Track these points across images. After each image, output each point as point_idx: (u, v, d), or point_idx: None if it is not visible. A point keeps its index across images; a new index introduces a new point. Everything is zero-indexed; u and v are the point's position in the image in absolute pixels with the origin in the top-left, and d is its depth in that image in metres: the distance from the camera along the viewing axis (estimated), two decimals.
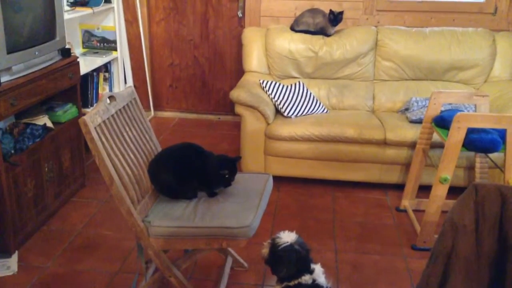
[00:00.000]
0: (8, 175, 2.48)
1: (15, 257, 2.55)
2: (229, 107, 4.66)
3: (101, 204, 3.16)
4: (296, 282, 1.74)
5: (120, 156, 2.02)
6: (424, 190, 3.06)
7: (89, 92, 3.89)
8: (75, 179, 3.24)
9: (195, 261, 2.57)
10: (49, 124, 2.91)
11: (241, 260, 2.52)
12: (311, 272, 1.77)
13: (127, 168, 2.03)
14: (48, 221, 2.93)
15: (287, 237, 1.83)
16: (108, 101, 2.08)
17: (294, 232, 1.87)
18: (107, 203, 3.15)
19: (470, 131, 2.53)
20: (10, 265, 2.48)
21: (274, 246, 1.82)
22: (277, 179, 3.27)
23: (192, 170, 2.15)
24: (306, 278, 1.74)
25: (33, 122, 2.84)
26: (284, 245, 1.80)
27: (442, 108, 2.95)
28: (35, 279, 2.41)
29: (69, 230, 2.86)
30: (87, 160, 3.38)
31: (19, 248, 2.63)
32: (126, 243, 2.72)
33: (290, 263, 1.77)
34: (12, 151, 2.55)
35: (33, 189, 2.73)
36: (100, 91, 4.01)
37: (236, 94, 3.35)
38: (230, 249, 2.48)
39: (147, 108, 4.77)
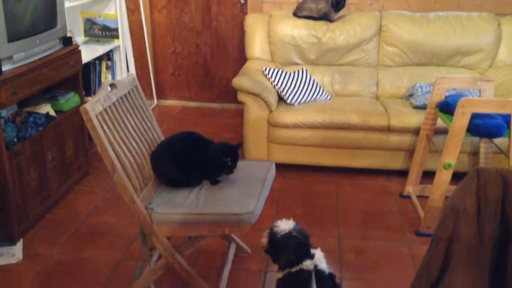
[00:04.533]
0: (11, 163, 2.49)
1: (20, 245, 2.57)
2: (232, 95, 4.64)
3: (105, 192, 3.17)
4: (297, 268, 1.74)
5: (122, 144, 2.01)
6: (428, 176, 3.05)
7: (92, 81, 3.89)
8: (78, 167, 3.25)
9: (199, 248, 2.58)
10: (52, 112, 2.91)
11: (245, 247, 2.53)
12: (311, 257, 1.77)
13: (129, 156, 2.03)
14: (52, 209, 2.94)
15: (285, 225, 1.83)
16: (109, 89, 2.08)
17: (292, 219, 1.87)
18: (111, 191, 3.16)
19: (475, 116, 2.51)
20: (15, 253, 2.50)
21: (272, 235, 1.83)
22: (281, 167, 3.26)
23: (194, 159, 2.15)
24: (307, 264, 1.74)
25: (35, 111, 2.84)
26: (283, 233, 1.80)
27: (447, 94, 2.92)
28: (40, 267, 2.43)
29: (74, 218, 2.88)
30: (91, 149, 3.38)
31: (23, 236, 2.65)
32: (130, 230, 2.74)
33: (289, 250, 1.77)
34: (15, 140, 2.56)
35: (37, 177, 2.74)
36: (102, 80, 4.00)
37: (239, 81, 3.33)
38: (233, 235, 2.48)
39: (150, 97, 4.77)
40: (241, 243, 2.52)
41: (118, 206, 2.97)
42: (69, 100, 3.10)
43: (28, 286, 2.28)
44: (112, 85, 2.10)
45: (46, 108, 2.89)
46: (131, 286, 2.17)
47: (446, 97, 2.88)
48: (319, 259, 1.78)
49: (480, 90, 2.95)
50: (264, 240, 1.89)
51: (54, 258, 2.51)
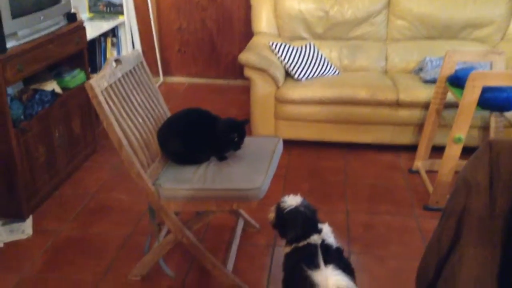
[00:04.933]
0: (18, 141, 2.49)
1: (29, 221, 2.59)
2: (238, 71, 4.60)
3: (113, 169, 3.18)
4: (305, 242, 1.74)
5: (128, 120, 2.00)
6: (437, 151, 3.02)
7: (97, 58, 3.86)
8: (86, 144, 3.25)
9: (207, 223, 2.59)
10: (58, 90, 2.90)
11: (253, 222, 2.53)
12: (319, 232, 1.77)
13: (135, 132, 2.02)
14: (61, 186, 2.96)
15: (292, 200, 1.83)
16: (114, 64, 2.05)
17: (299, 195, 1.87)
18: (119, 168, 3.16)
19: (486, 89, 2.46)
20: (24, 229, 2.52)
21: (279, 211, 1.83)
22: (288, 143, 3.24)
23: (201, 135, 2.13)
24: (315, 238, 1.74)
25: (41, 88, 2.83)
26: (290, 208, 1.80)
27: (457, 67, 2.87)
28: (50, 243, 2.46)
29: (82, 194, 2.89)
30: (98, 126, 3.38)
31: (33, 213, 2.67)
32: (139, 206, 2.75)
33: (297, 225, 1.77)
34: (22, 117, 2.56)
35: (45, 154, 2.75)
36: (108, 57, 3.97)
37: (245, 57, 3.29)
38: (241, 211, 2.49)
39: (156, 74, 4.74)
40: (249, 219, 2.53)
41: (126, 182, 2.98)
42: (75, 77, 3.08)
43: (38, 261, 2.31)
44: (117, 61, 2.08)
45: (52, 85, 2.88)
46: (140, 261, 2.18)
47: (456, 70, 2.83)
48: (327, 234, 1.78)
49: (491, 63, 2.89)
50: (272, 215, 1.89)
51: (64, 234, 2.53)
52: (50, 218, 2.66)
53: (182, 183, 2.00)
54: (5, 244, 2.43)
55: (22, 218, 2.59)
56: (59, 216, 2.67)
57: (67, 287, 2.15)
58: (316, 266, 1.51)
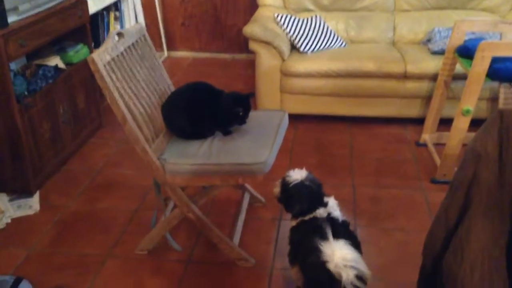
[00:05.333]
0: (23, 116, 2.48)
1: (36, 197, 2.60)
2: (243, 45, 4.54)
3: (119, 144, 3.18)
4: (311, 216, 1.73)
5: (132, 95, 1.98)
6: (445, 123, 2.98)
7: (100, 32, 3.81)
8: (91, 120, 3.25)
9: (213, 197, 2.59)
10: (61, 65, 2.87)
11: (259, 196, 2.53)
12: (325, 205, 1.76)
13: (139, 107, 2.00)
14: (67, 161, 2.96)
15: (297, 174, 1.81)
16: (116, 38, 2.02)
17: (304, 169, 1.85)
18: (125, 143, 3.16)
19: (495, 60, 2.41)
20: (32, 205, 2.54)
21: (285, 185, 1.82)
22: (294, 117, 3.22)
23: (205, 110, 2.11)
24: (320, 212, 1.73)
25: (44, 63, 2.80)
26: (295, 182, 1.79)
27: (466, 38, 2.81)
28: (57, 218, 2.47)
29: (89, 170, 2.90)
30: (103, 102, 3.36)
31: (40, 188, 2.68)
32: (145, 181, 2.75)
33: (302, 199, 1.76)
34: (26, 93, 2.54)
35: (50, 130, 2.74)
36: (111, 31, 3.93)
37: (250, 29, 3.24)
38: (247, 185, 2.48)
39: (160, 48, 4.69)
40: (255, 193, 2.52)
41: (133, 157, 2.98)
42: (78, 52, 3.05)
43: (46, 236, 2.33)
44: (120, 34, 2.05)
45: (55, 61, 2.85)
46: (147, 235, 2.19)
47: (465, 41, 2.77)
48: (333, 207, 1.77)
49: (501, 34, 2.83)
50: (277, 189, 1.88)
51: (71, 209, 2.55)
52: (57, 193, 2.67)
53: (187, 158, 1.98)
54: (13, 219, 2.45)
55: (29, 194, 2.61)
56: (66, 192, 2.68)
57: (74, 262, 2.17)
58: (323, 239, 1.50)
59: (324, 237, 1.51)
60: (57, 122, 2.81)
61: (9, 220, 2.43)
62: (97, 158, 3.03)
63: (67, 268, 2.13)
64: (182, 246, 2.24)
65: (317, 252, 1.48)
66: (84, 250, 2.24)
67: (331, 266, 1.44)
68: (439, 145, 3.00)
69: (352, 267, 1.43)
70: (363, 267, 1.47)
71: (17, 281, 1.90)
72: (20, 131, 2.46)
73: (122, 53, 2.01)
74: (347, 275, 1.42)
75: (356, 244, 1.59)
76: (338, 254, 1.45)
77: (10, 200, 2.56)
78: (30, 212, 2.50)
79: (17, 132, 2.46)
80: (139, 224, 2.42)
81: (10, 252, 2.23)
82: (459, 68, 2.84)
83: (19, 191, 2.61)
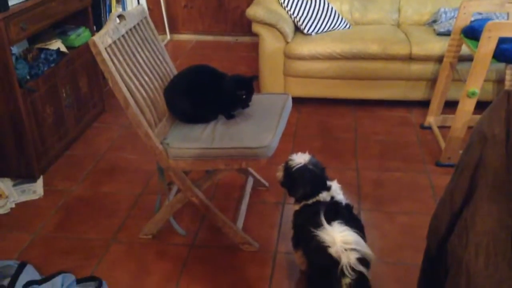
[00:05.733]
0: (25, 101, 2.47)
1: (40, 181, 2.61)
2: (246, 27, 4.49)
3: (122, 129, 3.17)
4: (314, 200, 1.72)
5: (134, 78, 1.96)
6: (450, 106, 2.95)
7: (102, 15, 3.77)
8: (94, 104, 3.23)
9: (217, 182, 2.58)
10: (63, 48, 2.85)
11: (262, 180, 2.53)
12: (328, 189, 1.75)
13: (142, 90, 1.98)
14: (71, 146, 2.96)
15: (300, 158, 1.80)
16: (117, 20, 2.00)
17: (307, 152, 1.84)
18: (128, 128, 3.15)
19: (502, 41, 2.37)
20: (36, 189, 2.54)
21: (288, 168, 1.81)
22: (297, 101, 3.20)
23: (208, 93, 2.09)
24: (324, 196, 1.72)
25: (46, 47, 2.78)
26: (298, 166, 1.77)
27: (472, 19, 2.76)
28: (61, 202, 2.48)
29: (92, 154, 2.90)
30: (105, 86, 3.35)
31: (44, 173, 2.68)
32: (149, 165, 2.75)
33: (305, 183, 1.75)
34: (28, 77, 2.52)
35: (53, 114, 2.73)
36: None
37: (253, 11, 3.20)
38: (251, 169, 2.48)
39: (163, 31, 4.65)
40: (259, 177, 2.52)
41: (136, 142, 2.97)
42: (80, 35, 3.03)
43: (50, 221, 2.34)
44: (121, 17, 2.02)
45: (57, 44, 2.83)
46: (151, 219, 2.19)
47: (471, 22, 2.72)
48: (336, 191, 1.76)
49: (508, 14, 2.78)
50: (280, 174, 1.87)
51: (75, 193, 2.55)
52: (60, 178, 2.67)
53: (190, 142, 1.97)
54: (17, 204, 2.45)
55: (33, 179, 2.61)
56: (69, 176, 2.68)
57: (79, 246, 2.18)
58: (323, 224, 1.50)
59: (323, 222, 1.51)
60: (60, 107, 2.80)
61: (13, 205, 2.44)
62: (101, 142, 3.02)
63: (71, 252, 2.14)
64: (186, 230, 2.24)
65: (315, 237, 1.48)
66: (88, 234, 2.25)
67: (332, 251, 1.43)
68: (444, 128, 2.98)
69: (354, 249, 1.43)
70: (365, 249, 1.47)
71: (22, 265, 1.91)
72: (23, 116, 2.46)
73: (123, 36, 1.98)
74: (348, 259, 1.41)
75: (359, 228, 1.58)
76: (339, 238, 1.44)
77: (14, 185, 2.57)
78: (34, 196, 2.50)
79: (20, 116, 2.45)
80: (143, 208, 2.42)
81: (15, 236, 2.24)
82: (465, 49, 2.80)
83: (23, 176, 2.61)
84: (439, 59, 3.05)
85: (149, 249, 2.15)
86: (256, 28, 3.24)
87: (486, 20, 2.62)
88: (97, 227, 2.30)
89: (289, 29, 3.23)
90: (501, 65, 2.88)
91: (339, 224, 1.50)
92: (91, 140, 3.05)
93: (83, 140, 3.05)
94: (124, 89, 1.87)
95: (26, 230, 2.28)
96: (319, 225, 1.50)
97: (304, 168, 1.77)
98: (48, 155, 2.72)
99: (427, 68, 3.14)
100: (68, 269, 2.01)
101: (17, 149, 2.54)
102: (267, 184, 2.54)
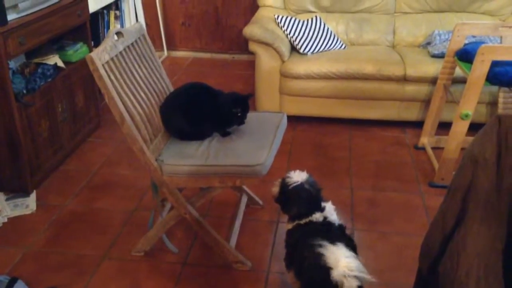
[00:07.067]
0: (21, 115, 2.47)
1: (33, 196, 2.59)
2: (243, 45, 4.53)
3: (117, 144, 3.17)
4: (307, 220, 1.72)
5: (130, 95, 1.97)
6: (444, 127, 2.97)
7: (100, 31, 3.81)
8: (90, 119, 3.24)
9: (211, 199, 2.58)
10: (60, 63, 2.87)
11: (256, 198, 2.53)
12: (322, 210, 1.74)
13: (138, 107, 1.99)
14: (65, 161, 2.95)
15: (298, 176, 1.79)
16: (115, 37, 2.02)
17: (305, 171, 1.84)
18: (123, 143, 3.15)
19: (495, 64, 2.41)
20: (28, 204, 2.53)
21: (284, 186, 1.80)
22: (293, 119, 3.21)
23: (203, 110, 2.10)
24: (317, 216, 1.72)
25: (44, 61, 2.80)
26: (295, 184, 1.76)
27: (466, 41, 2.80)
28: (54, 217, 2.46)
29: (86, 169, 2.89)
30: (101, 101, 3.35)
31: (37, 188, 2.67)
32: (143, 182, 2.74)
33: (300, 202, 1.74)
34: (24, 91, 2.53)
35: (48, 129, 2.73)
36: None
37: (250, 30, 3.24)
38: (245, 187, 2.48)
39: (160, 48, 4.68)
40: (253, 195, 2.52)
41: (130, 158, 2.97)
42: (78, 50, 3.05)
43: (42, 236, 2.32)
44: (119, 34, 2.04)
45: (55, 59, 2.84)
46: (143, 236, 2.18)
47: (465, 44, 2.76)
48: (329, 211, 1.75)
49: (501, 37, 2.83)
50: (275, 189, 1.86)
51: (68, 208, 2.54)
52: (54, 193, 2.66)
53: (185, 159, 1.98)
54: (9, 219, 2.44)
55: (26, 193, 2.60)
56: (63, 191, 2.67)
57: (70, 262, 2.16)
58: (323, 244, 1.49)
59: (324, 242, 1.50)
60: (55, 121, 2.80)
61: (5, 220, 2.42)
62: (95, 157, 3.02)
63: (63, 268, 2.12)
64: (178, 247, 2.23)
65: (318, 256, 1.47)
66: (80, 250, 2.23)
67: (334, 273, 1.42)
68: (437, 149, 3.00)
69: (356, 277, 1.42)
70: (366, 275, 1.46)
71: (12, 281, 1.89)
72: (18, 130, 2.46)
73: (121, 53, 2.00)
74: (350, 285, 1.40)
75: (352, 248, 1.58)
76: (343, 262, 1.43)
77: (7, 199, 2.55)
78: (26, 211, 2.49)
79: (15, 130, 2.45)
80: (136, 225, 2.41)
81: (6, 251, 2.22)
82: (458, 71, 2.83)
83: (16, 190, 2.60)
84: (433, 81, 3.08)
85: (141, 267, 2.14)
86: (252, 46, 3.27)
87: (479, 43, 2.66)
88: (89, 243, 2.28)
89: (285, 48, 3.27)
90: (494, 88, 2.92)
91: (345, 247, 1.49)
92: (85, 155, 3.05)
93: (78, 155, 3.04)
94: (120, 105, 1.88)
95: (18, 245, 2.26)
96: (314, 245, 1.49)
97: (300, 187, 1.76)
98: (42, 170, 2.72)
99: (421, 90, 3.18)
100: (59, 285, 1.99)
101: (11, 163, 2.54)
102: (261, 202, 2.53)
